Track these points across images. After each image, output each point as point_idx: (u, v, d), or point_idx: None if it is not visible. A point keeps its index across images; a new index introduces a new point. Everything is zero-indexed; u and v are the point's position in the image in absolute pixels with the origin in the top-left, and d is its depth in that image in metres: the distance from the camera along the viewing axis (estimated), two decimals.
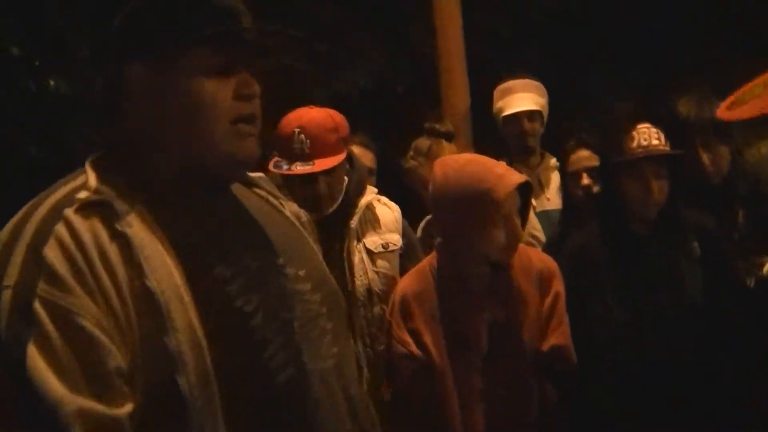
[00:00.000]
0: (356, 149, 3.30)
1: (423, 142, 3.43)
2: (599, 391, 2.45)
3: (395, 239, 2.79)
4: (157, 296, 1.18)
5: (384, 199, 2.86)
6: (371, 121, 4.54)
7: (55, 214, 1.19)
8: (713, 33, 6.43)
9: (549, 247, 3.07)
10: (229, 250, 1.31)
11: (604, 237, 2.59)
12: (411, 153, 3.45)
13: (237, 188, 1.44)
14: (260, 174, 1.51)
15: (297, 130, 2.60)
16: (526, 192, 2.41)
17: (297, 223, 1.52)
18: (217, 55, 1.29)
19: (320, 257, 1.52)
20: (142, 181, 1.28)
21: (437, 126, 3.47)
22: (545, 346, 2.36)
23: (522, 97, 3.78)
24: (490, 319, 2.36)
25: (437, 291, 2.42)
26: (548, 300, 2.40)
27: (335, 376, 1.37)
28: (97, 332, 1.14)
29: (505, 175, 2.32)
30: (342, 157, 2.66)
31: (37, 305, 1.12)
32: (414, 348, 2.36)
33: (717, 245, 2.57)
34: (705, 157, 2.88)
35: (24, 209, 1.23)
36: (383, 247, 2.76)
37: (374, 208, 2.79)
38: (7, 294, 1.14)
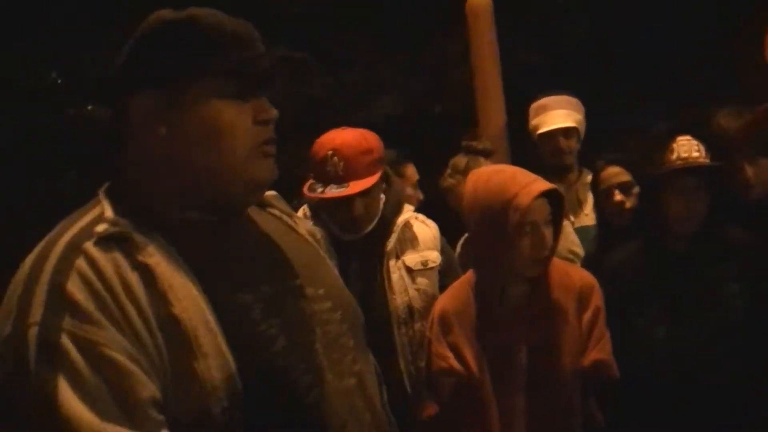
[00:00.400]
0: (408, 168, 3.34)
1: (460, 160, 3.44)
2: (637, 407, 2.42)
3: (434, 256, 2.79)
4: (184, 323, 1.18)
5: (421, 216, 2.87)
6: (409, 144, 4.57)
7: (75, 248, 1.19)
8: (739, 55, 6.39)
9: (587, 264, 3.05)
10: (249, 275, 1.31)
11: (643, 253, 2.57)
12: (449, 171, 3.46)
13: (251, 209, 1.44)
14: (272, 192, 1.51)
15: (330, 152, 2.60)
16: (559, 203, 2.38)
17: (312, 240, 1.51)
18: (232, 81, 1.29)
19: (336, 273, 1.52)
20: (157, 210, 1.28)
21: (474, 143, 3.48)
22: (586, 361, 2.33)
23: (557, 114, 3.77)
24: (529, 335, 2.34)
25: (476, 307, 2.41)
26: (588, 315, 2.36)
27: (359, 392, 1.38)
28: (127, 362, 1.13)
29: (531, 183, 2.30)
30: (376, 177, 2.66)
31: (65, 340, 1.12)
32: (454, 362, 2.35)
33: (759, 263, 2.51)
34: (749, 171, 2.82)
35: (41, 246, 1.23)
36: (422, 264, 2.76)
37: (412, 226, 2.80)
38: (33, 331, 1.12)
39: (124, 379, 1.12)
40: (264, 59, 1.33)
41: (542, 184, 2.32)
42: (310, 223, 1.60)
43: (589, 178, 3.76)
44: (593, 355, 2.33)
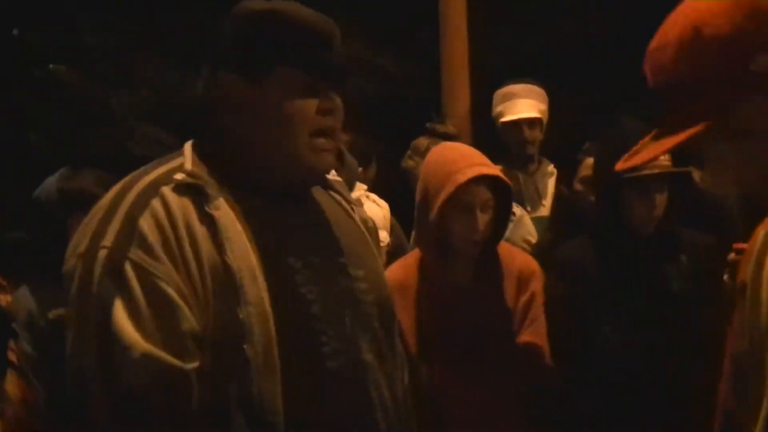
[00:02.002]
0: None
1: (422, 142, 3.41)
2: (589, 400, 2.42)
3: (383, 236, 2.77)
4: (234, 272, 1.32)
5: (373, 196, 2.85)
6: (379, 126, 4.54)
7: (153, 189, 1.35)
8: None
9: (538, 253, 3.03)
10: (300, 245, 1.43)
11: (599, 250, 2.55)
12: (409, 152, 3.43)
13: (316, 189, 1.55)
14: (339, 179, 1.63)
15: None
16: (507, 196, 2.41)
17: (363, 228, 1.62)
18: (307, 75, 1.41)
19: (380, 263, 1.65)
20: (230, 175, 1.41)
21: (437, 126, 3.45)
22: (518, 342, 2.37)
23: (523, 104, 3.74)
24: (468, 314, 2.37)
25: (418, 282, 2.43)
26: (524, 298, 2.40)
27: (378, 368, 1.47)
28: (176, 296, 1.29)
29: (477, 165, 2.32)
30: None
31: (127, 267, 1.29)
32: None
33: (709, 263, 2.52)
34: (696, 176, 2.83)
35: (124, 182, 1.39)
36: None
37: (362, 204, 2.78)
38: (103, 253, 1.30)
39: (171, 310, 1.28)
40: (339, 57, 1.45)
41: (487, 169, 2.34)
42: (366, 213, 1.74)
43: (549, 168, 3.77)
44: (524, 337, 2.38)
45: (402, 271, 2.47)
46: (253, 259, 1.35)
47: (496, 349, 2.36)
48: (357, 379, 1.43)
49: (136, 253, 1.29)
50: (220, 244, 1.33)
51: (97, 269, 1.30)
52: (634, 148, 1.30)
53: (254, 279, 1.33)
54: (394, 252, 2.80)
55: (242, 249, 1.34)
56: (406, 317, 2.36)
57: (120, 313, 1.27)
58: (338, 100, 1.44)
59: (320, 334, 1.39)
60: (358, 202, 2.76)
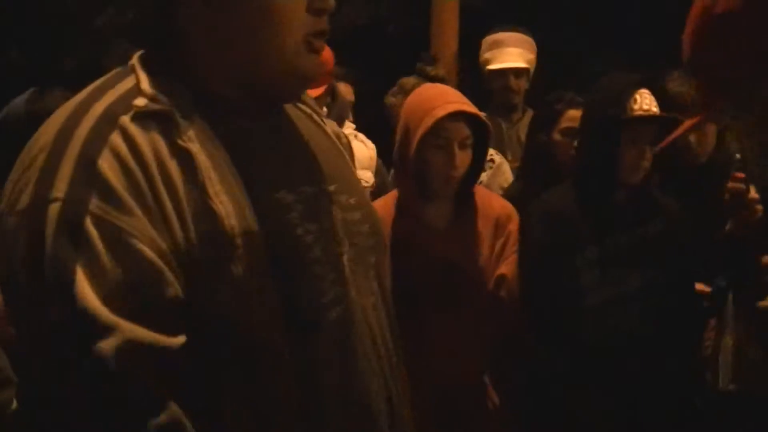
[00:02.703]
0: (339, 84, 3.27)
1: (408, 81, 3.40)
2: (563, 354, 2.44)
3: (367, 177, 2.78)
4: (222, 221, 1.06)
5: (361, 136, 2.86)
6: (362, 59, 4.50)
7: (110, 120, 1.05)
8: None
9: (508, 199, 3.06)
10: (288, 174, 1.20)
11: (581, 199, 2.55)
12: (395, 89, 3.42)
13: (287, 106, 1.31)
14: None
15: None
16: (484, 133, 2.41)
17: (339, 145, 1.40)
18: None
19: (359, 183, 1.42)
20: (196, 89, 1.14)
21: (427, 68, 3.44)
22: (493, 278, 2.42)
23: (511, 52, 3.74)
24: (445, 255, 2.39)
25: (396, 222, 2.44)
26: (501, 241, 2.45)
27: (378, 311, 1.29)
28: (153, 257, 1.02)
29: (457, 102, 2.34)
30: (322, 90, 2.64)
31: (89, 223, 0.99)
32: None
33: (684, 229, 2.57)
34: (692, 138, 2.84)
35: (67, 110, 1.09)
36: None
37: (349, 143, 2.78)
38: (55, 207, 1.00)
39: (148, 275, 1.01)
40: None
41: (467, 106, 2.35)
42: (336, 125, 1.50)
43: None
44: (500, 269, 2.43)
45: (379, 209, 2.47)
46: (243, 201, 1.10)
47: (471, 291, 2.39)
48: (356, 326, 1.23)
49: (98, 205, 1.00)
50: (201, 186, 1.06)
51: (50, 229, 0.99)
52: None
53: (247, 226, 1.09)
54: (378, 193, 2.81)
55: (229, 191, 1.09)
56: None
57: (84, 285, 0.98)
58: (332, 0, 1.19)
59: (320, 281, 1.17)
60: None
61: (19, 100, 2.40)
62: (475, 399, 2.44)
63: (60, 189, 1.01)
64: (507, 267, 2.44)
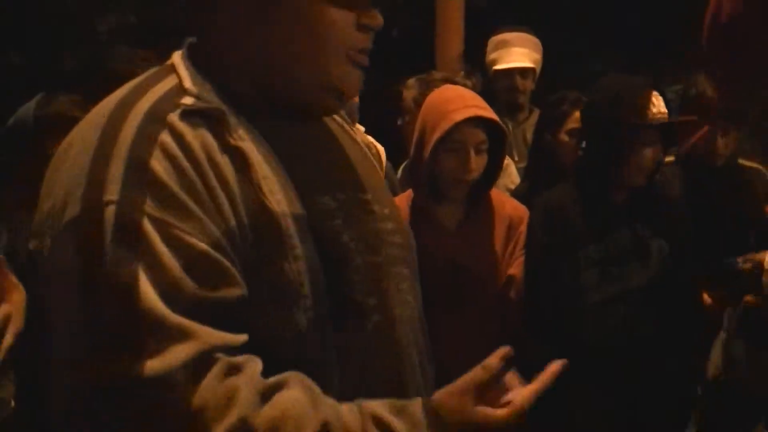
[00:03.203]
0: None
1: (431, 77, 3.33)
2: (562, 354, 2.43)
3: None
4: (278, 219, 1.05)
5: (369, 138, 2.82)
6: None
7: (157, 119, 1.03)
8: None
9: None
10: (328, 180, 1.18)
11: (583, 198, 2.54)
12: (411, 81, 3.35)
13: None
14: None
15: None
16: (501, 137, 2.41)
17: (369, 156, 1.39)
18: None
19: (390, 193, 1.40)
20: (239, 92, 1.13)
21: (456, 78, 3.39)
22: (504, 279, 2.43)
23: (517, 52, 3.73)
24: (456, 255, 2.39)
25: (410, 223, 2.41)
26: (513, 244, 2.45)
27: (408, 325, 1.27)
28: (215, 255, 1.00)
29: (475, 106, 2.33)
30: None
31: (147, 225, 0.97)
32: None
33: (686, 228, 2.57)
34: (720, 141, 2.90)
35: (107, 112, 1.06)
36: None
37: (379, 153, 2.76)
38: (111, 210, 0.97)
39: (211, 275, 0.99)
40: None
41: (483, 111, 2.34)
42: (367, 136, 1.46)
43: None
44: (510, 271, 2.44)
45: None
46: (296, 202, 1.08)
47: (478, 291, 2.39)
48: (396, 336, 1.21)
49: (153, 206, 0.98)
50: (256, 185, 1.05)
51: (107, 233, 0.96)
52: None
53: (301, 227, 1.07)
54: None
55: (282, 190, 1.07)
56: None
57: (147, 288, 0.95)
58: (380, 18, 1.17)
59: (361, 289, 1.15)
60: None
61: (27, 107, 2.40)
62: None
63: (113, 192, 0.98)
64: (516, 268, 2.44)
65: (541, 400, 2.35)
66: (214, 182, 1.02)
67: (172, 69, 1.13)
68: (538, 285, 2.43)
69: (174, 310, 0.96)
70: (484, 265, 2.41)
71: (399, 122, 3.24)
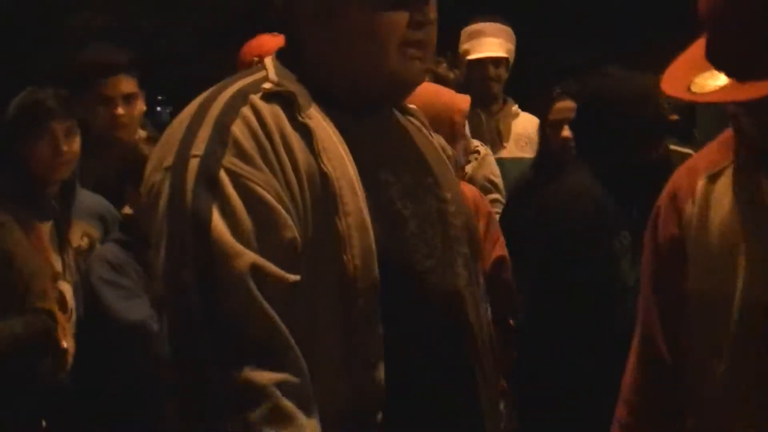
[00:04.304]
0: None
1: None
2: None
3: None
4: (333, 181, 1.25)
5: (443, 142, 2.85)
6: None
7: (242, 97, 1.27)
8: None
9: (515, 195, 3.07)
10: (392, 161, 1.37)
11: (610, 187, 2.53)
12: None
13: (397, 114, 1.49)
14: (414, 105, 1.56)
15: (257, 59, 2.53)
16: None
17: (443, 154, 1.56)
18: None
19: (461, 189, 1.58)
20: (315, 87, 1.33)
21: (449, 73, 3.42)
22: (489, 260, 2.44)
23: (491, 42, 3.74)
24: None
25: None
26: (482, 223, 2.45)
27: (468, 293, 1.41)
28: (276, 204, 1.21)
29: (456, 94, 2.47)
30: None
31: (222, 174, 1.20)
32: None
33: None
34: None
35: (206, 93, 1.31)
36: None
37: (455, 157, 2.78)
38: (195, 162, 1.22)
39: (271, 218, 1.21)
40: None
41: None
42: (443, 140, 1.69)
43: (513, 109, 3.78)
44: (495, 252, 2.49)
45: None
46: (350, 169, 1.28)
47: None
48: (450, 302, 1.37)
49: (231, 161, 1.21)
50: (317, 153, 1.26)
51: (190, 180, 1.21)
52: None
53: (353, 189, 1.27)
54: None
55: (339, 159, 1.27)
56: None
57: (219, 223, 1.19)
58: (432, 11, 1.34)
59: (415, 252, 1.33)
60: None
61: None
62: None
63: (199, 148, 1.23)
64: (501, 248, 2.49)
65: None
66: (281, 149, 1.24)
67: (263, 66, 1.36)
68: (575, 275, 2.41)
69: (239, 241, 1.18)
70: None
71: None
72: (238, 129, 1.23)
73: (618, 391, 1.60)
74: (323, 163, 1.25)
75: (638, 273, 2.36)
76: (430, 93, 2.37)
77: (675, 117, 2.56)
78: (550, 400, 2.42)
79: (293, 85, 1.31)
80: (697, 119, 3.82)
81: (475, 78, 3.76)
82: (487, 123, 3.72)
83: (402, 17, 1.30)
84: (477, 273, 1.49)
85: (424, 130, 1.54)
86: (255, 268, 1.18)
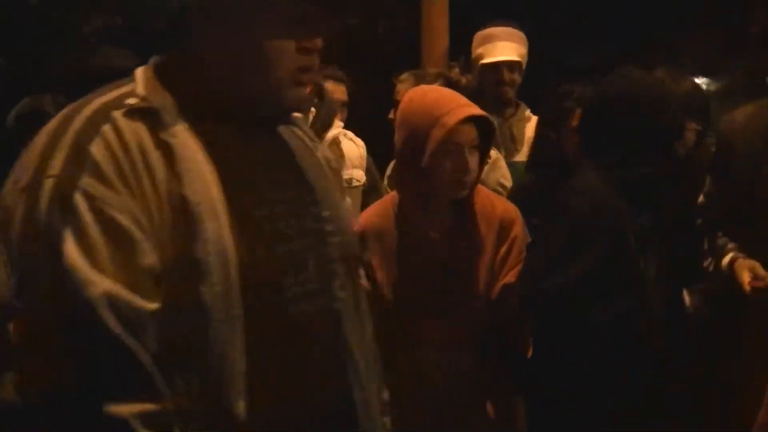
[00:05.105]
0: (329, 83, 3.22)
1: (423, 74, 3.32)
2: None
3: (359, 175, 2.76)
4: (192, 206, 1.22)
5: (350, 134, 2.83)
6: (350, 58, 4.46)
7: (103, 114, 1.24)
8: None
9: (517, 196, 3.02)
10: (267, 180, 1.35)
11: (620, 184, 2.47)
12: (405, 75, 3.34)
13: (281, 127, 1.48)
14: (299, 114, 1.55)
15: None
16: (488, 132, 2.37)
17: (327, 167, 1.54)
18: (289, 13, 1.32)
19: (343, 205, 1.57)
20: (191, 101, 1.30)
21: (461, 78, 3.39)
22: (498, 286, 2.37)
23: (504, 46, 3.71)
24: (446, 259, 2.35)
25: (397, 227, 2.40)
26: (505, 247, 2.39)
27: (332, 320, 1.39)
28: (133, 228, 1.18)
29: (463, 106, 2.30)
30: (308, 89, 2.58)
31: (78, 196, 1.16)
32: (363, 281, 2.34)
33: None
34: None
35: (70, 107, 1.27)
36: (347, 182, 2.72)
37: (340, 143, 2.77)
38: (50, 183, 1.18)
39: (128, 244, 1.18)
40: None
41: (473, 109, 2.31)
42: (328, 151, 1.66)
43: (527, 113, 3.75)
44: (505, 279, 2.37)
45: (378, 218, 2.44)
46: (214, 191, 1.25)
47: (467, 297, 2.35)
48: (320, 325, 1.35)
49: (87, 182, 1.17)
50: (178, 175, 1.22)
51: (43, 201, 1.17)
52: None
53: (214, 214, 1.23)
54: (369, 191, 2.78)
55: (202, 180, 1.24)
56: (383, 264, 2.37)
57: (72, 249, 1.14)
58: (317, 39, 1.36)
59: (284, 276, 1.31)
60: (336, 140, 2.74)
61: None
62: (470, 405, 2.39)
63: (55, 167, 1.18)
64: (512, 277, 2.38)
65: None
66: (141, 170, 1.21)
67: (133, 78, 1.33)
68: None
69: (92, 268, 1.15)
70: (472, 269, 2.37)
71: (390, 115, 3.23)
72: (96, 149, 1.19)
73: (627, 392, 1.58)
74: (183, 185, 1.22)
75: (646, 277, 2.44)
76: (426, 101, 2.34)
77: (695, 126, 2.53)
78: (559, 401, 2.39)
79: (162, 100, 1.28)
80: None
81: (488, 82, 3.73)
82: (500, 128, 3.68)
83: (290, 43, 1.32)
84: (357, 290, 1.47)
85: (308, 141, 1.52)
86: (110, 296, 1.15)
